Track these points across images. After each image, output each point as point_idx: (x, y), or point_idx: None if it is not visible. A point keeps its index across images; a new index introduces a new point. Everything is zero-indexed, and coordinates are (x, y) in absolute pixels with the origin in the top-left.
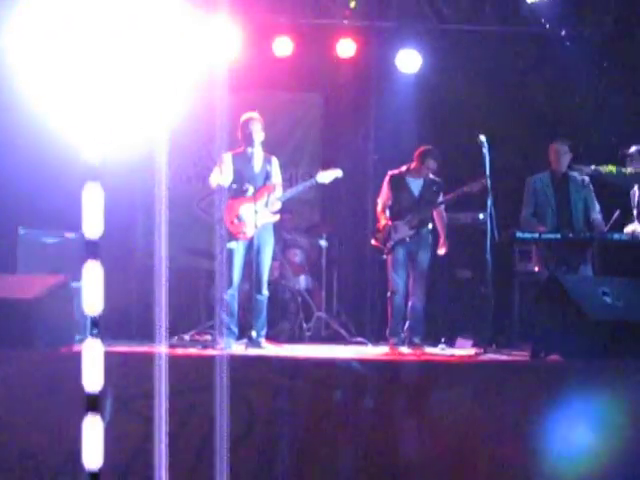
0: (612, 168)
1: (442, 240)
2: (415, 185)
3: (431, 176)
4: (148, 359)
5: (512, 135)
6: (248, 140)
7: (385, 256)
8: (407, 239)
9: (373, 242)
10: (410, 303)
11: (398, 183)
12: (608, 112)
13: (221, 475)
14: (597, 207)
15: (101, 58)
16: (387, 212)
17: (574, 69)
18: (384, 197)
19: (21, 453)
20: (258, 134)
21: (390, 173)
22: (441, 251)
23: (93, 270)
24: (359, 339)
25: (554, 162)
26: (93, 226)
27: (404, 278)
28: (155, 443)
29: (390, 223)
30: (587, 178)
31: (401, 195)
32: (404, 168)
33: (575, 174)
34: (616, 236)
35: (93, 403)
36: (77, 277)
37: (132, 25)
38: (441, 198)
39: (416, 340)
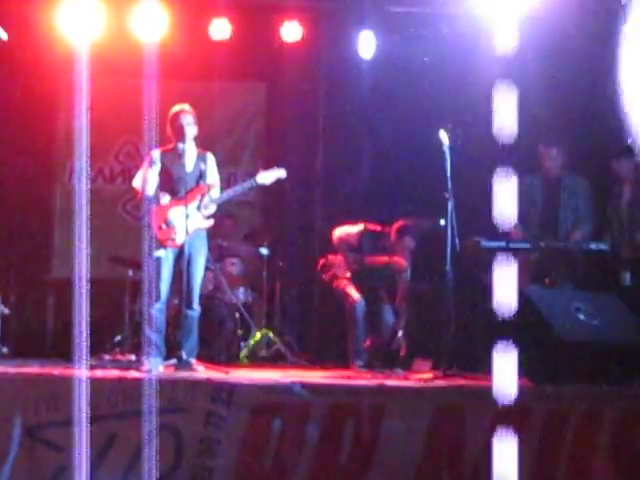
0: None
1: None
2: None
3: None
4: (64, 382)
5: (472, 125)
6: (179, 135)
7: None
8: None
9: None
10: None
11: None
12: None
13: None
14: (587, 217)
15: None
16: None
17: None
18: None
19: None
20: (190, 128)
21: (366, 227)
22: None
23: None
24: (303, 360)
25: (547, 165)
26: None
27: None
28: (73, 475)
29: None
30: (587, 187)
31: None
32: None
33: (573, 178)
34: (593, 246)
35: None
36: None
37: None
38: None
39: (376, 362)
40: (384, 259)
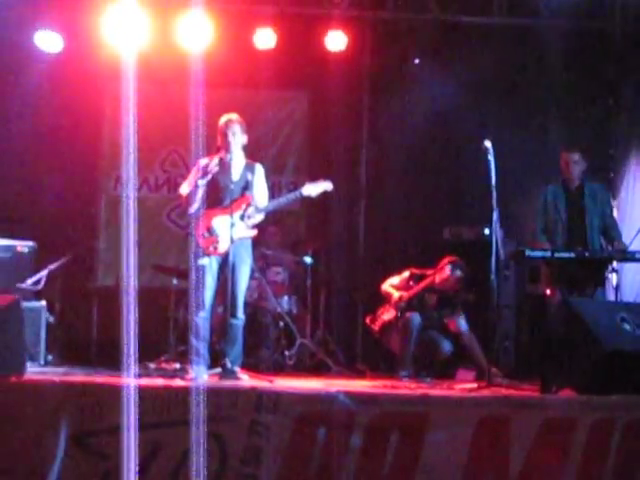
0: None
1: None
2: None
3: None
4: (109, 390)
5: (522, 140)
6: (226, 145)
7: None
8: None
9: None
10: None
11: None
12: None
13: None
14: (615, 223)
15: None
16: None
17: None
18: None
19: None
20: (238, 138)
21: (412, 272)
22: None
23: None
24: (347, 369)
25: (565, 171)
26: None
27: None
28: None
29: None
30: (607, 193)
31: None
32: (429, 278)
33: (593, 185)
34: (638, 255)
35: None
36: (29, 296)
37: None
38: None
39: (423, 374)
40: (423, 283)
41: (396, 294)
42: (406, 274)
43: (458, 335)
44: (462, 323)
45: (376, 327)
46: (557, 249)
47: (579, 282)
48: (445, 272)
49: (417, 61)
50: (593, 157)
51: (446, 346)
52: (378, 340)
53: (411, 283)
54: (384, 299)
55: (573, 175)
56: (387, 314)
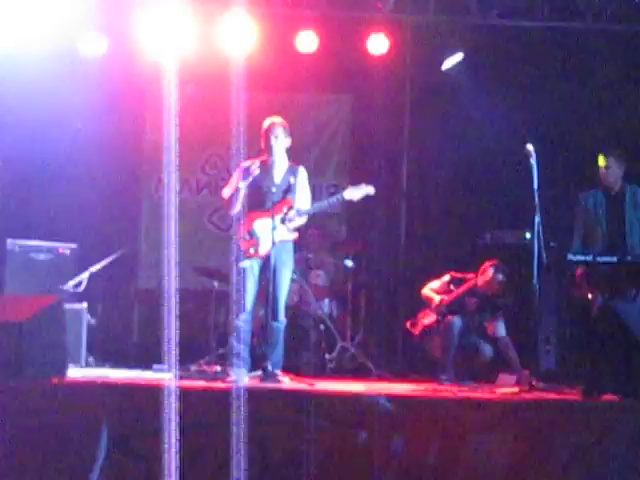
0: None
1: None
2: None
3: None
4: (149, 392)
5: (564, 141)
6: (269, 148)
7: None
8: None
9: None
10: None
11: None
12: None
13: None
14: None
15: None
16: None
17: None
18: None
19: None
20: (281, 141)
21: (452, 276)
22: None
23: None
24: (388, 373)
25: (602, 177)
26: None
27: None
28: None
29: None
30: None
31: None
32: (470, 282)
33: (636, 190)
34: None
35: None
36: (70, 298)
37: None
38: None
39: (465, 378)
40: (464, 287)
41: (437, 298)
42: (446, 278)
43: (495, 339)
44: (501, 328)
45: (416, 331)
46: (598, 254)
47: (620, 287)
48: (488, 274)
49: (462, 56)
50: (636, 161)
51: (487, 350)
52: (418, 344)
53: (451, 287)
54: (424, 303)
55: (610, 180)
56: (427, 318)
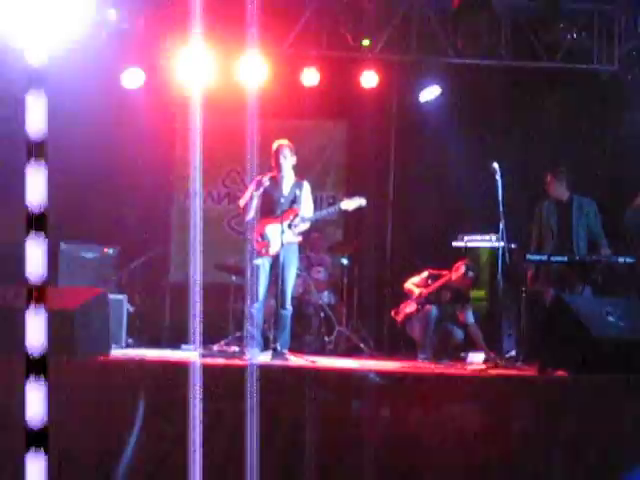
0: None
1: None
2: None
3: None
4: (179, 368)
5: (523, 161)
6: (279, 165)
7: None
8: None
9: (393, 314)
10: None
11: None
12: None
13: (251, 474)
14: (601, 233)
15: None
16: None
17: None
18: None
19: (60, 455)
20: (288, 159)
21: (430, 272)
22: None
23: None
24: (377, 353)
25: (552, 190)
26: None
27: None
28: (189, 445)
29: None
30: (594, 206)
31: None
32: (445, 277)
33: (582, 199)
34: (621, 259)
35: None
36: (114, 289)
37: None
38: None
39: (440, 356)
40: (440, 282)
41: (417, 290)
42: (425, 274)
43: (465, 326)
44: (470, 316)
45: (399, 319)
46: (553, 254)
47: (570, 282)
48: (460, 271)
49: (438, 89)
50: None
51: (458, 334)
52: (401, 329)
53: (429, 282)
54: (406, 295)
55: (557, 192)
56: (409, 307)
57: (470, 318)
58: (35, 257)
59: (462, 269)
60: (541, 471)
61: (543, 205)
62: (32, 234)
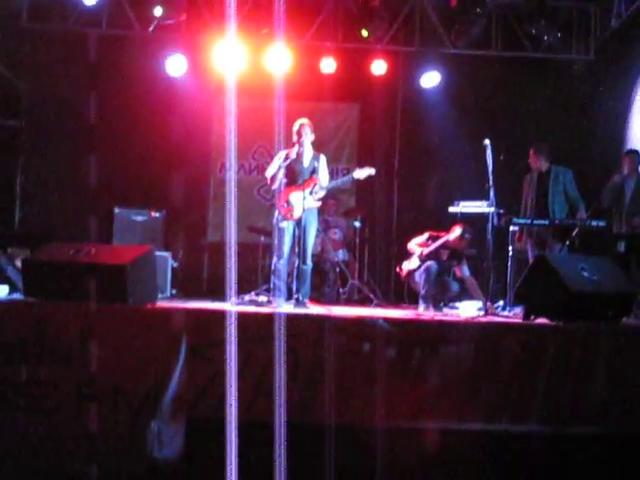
0: None
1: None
2: (444, 253)
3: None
4: (216, 314)
5: (514, 140)
6: (299, 141)
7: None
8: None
9: (398, 270)
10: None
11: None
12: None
13: (279, 405)
14: (578, 198)
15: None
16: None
17: (566, 86)
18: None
19: (115, 389)
20: (308, 136)
21: (430, 234)
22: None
23: None
24: (384, 302)
25: (533, 163)
26: None
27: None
28: (226, 379)
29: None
30: (569, 175)
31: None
32: (443, 238)
33: (558, 169)
34: (594, 223)
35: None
36: (159, 247)
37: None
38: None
39: (439, 305)
40: (439, 243)
41: (419, 250)
42: (426, 235)
43: (463, 279)
44: (466, 270)
45: (403, 274)
46: (535, 218)
47: (549, 242)
48: (457, 233)
49: (439, 78)
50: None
51: (454, 286)
52: (406, 283)
53: (429, 242)
54: (409, 254)
55: (537, 165)
56: (412, 264)
57: (466, 271)
58: None
59: (458, 232)
60: (525, 400)
61: (527, 176)
62: None
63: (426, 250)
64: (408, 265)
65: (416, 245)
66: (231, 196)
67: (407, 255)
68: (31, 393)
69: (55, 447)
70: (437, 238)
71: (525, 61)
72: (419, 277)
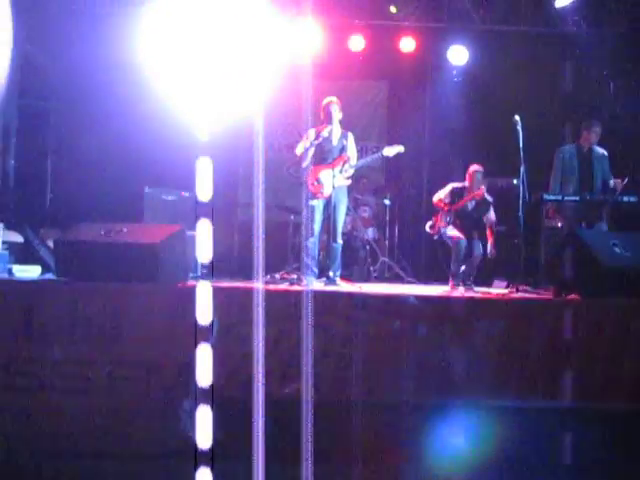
0: None
1: (490, 245)
2: (470, 204)
3: (486, 196)
4: (247, 293)
5: (541, 115)
6: (328, 119)
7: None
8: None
9: (427, 229)
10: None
11: (457, 196)
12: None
13: (307, 383)
14: (610, 174)
15: (210, 53)
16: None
17: (595, 62)
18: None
19: (147, 368)
20: (336, 114)
21: (453, 187)
22: (490, 254)
23: (204, 226)
24: (414, 279)
25: (585, 139)
26: (204, 191)
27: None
28: (254, 359)
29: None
30: (606, 152)
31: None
32: (460, 186)
33: (599, 150)
34: (625, 198)
35: (204, 334)
36: (191, 227)
37: (239, 28)
38: (490, 214)
39: (468, 282)
40: (466, 198)
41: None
42: (449, 187)
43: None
44: (492, 214)
45: (434, 232)
46: (568, 194)
47: (583, 218)
48: (482, 192)
49: (467, 56)
50: None
51: (478, 248)
52: (438, 249)
53: (454, 193)
54: (436, 209)
55: (591, 142)
56: (442, 221)
57: (492, 216)
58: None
59: (483, 190)
60: (557, 376)
61: (565, 149)
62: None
63: (453, 206)
64: (439, 223)
65: (440, 200)
66: (259, 174)
67: (434, 212)
68: (65, 373)
69: (89, 426)
70: (461, 189)
71: (555, 37)
72: (450, 252)
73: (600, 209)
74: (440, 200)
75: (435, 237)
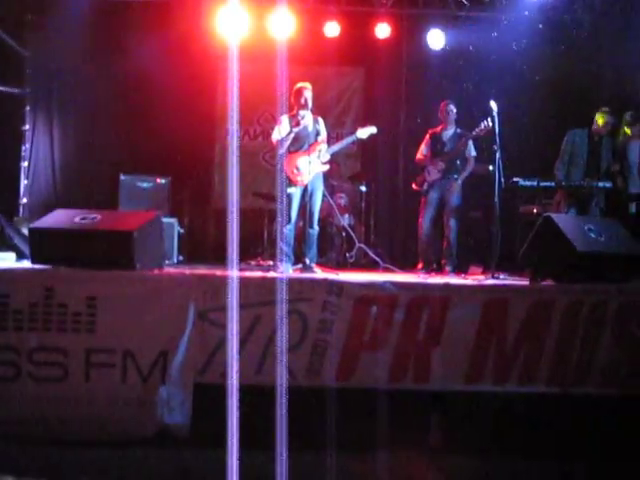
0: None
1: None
2: (446, 136)
3: (458, 130)
4: (222, 279)
5: (518, 100)
6: (302, 104)
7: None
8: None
9: (413, 186)
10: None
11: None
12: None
13: (281, 371)
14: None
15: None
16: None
17: (572, 46)
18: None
19: (124, 354)
20: (310, 100)
21: (430, 132)
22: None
23: None
24: (390, 266)
25: (603, 130)
26: None
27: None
28: (229, 345)
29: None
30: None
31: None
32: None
33: (610, 139)
34: (600, 184)
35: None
36: (166, 214)
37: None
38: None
39: (447, 267)
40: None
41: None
42: (427, 137)
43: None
44: (471, 149)
45: (418, 186)
46: (543, 180)
47: (576, 203)
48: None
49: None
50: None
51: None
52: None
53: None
54: (419, 165)
55: (604, 131)
56: (429, 176)
57: (472, 150)
58: None
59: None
60: (532, 362)
61: (575, 133)
62: None
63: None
64: (426, 177)
65: (422, 154)
66: (234, 162)
67: (418, 170)
68: (40, 360)
69: (64, 413)
70: (438, 132)
71: (529, 22)
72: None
73: (591, 195)
74: (421, 153)
75: (421, 190)
